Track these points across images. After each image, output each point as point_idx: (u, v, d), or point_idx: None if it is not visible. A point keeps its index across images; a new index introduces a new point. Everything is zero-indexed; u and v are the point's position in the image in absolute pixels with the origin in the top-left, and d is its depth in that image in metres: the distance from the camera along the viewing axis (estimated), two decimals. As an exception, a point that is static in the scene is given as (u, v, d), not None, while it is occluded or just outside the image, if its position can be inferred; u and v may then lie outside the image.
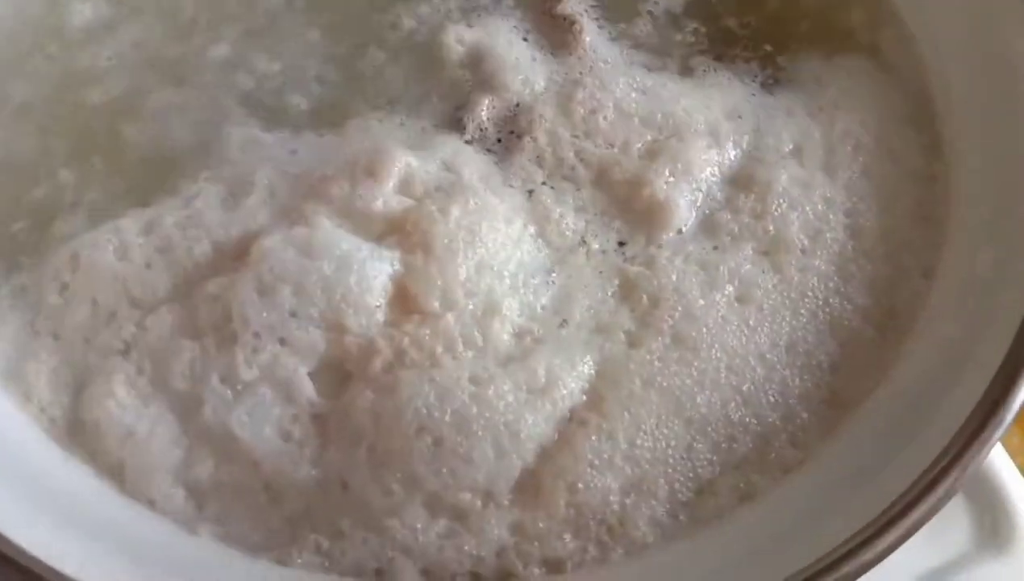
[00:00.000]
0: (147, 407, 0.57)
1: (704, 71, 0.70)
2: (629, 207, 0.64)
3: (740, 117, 0.68)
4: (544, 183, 0.65)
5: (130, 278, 0.60)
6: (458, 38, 0.70)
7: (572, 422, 0.57)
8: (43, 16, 0.71)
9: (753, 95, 0.69)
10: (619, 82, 0.68)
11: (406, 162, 0.63)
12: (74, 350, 0.59)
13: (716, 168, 0.66)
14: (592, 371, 0.59)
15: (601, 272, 0.62)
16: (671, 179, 0.64)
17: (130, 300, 0.60)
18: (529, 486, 0.56)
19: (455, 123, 0.67)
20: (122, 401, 0.57)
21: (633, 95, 0.68)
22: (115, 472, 0.56)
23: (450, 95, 0.69)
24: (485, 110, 0.67)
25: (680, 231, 0.63)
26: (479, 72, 0.69)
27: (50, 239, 0.63)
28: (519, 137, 0.66)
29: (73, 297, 0.60)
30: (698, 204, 0.65)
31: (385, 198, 0.62)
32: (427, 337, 0.58)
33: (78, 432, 0.57)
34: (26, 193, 0.65)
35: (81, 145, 0.66)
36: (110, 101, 0.68)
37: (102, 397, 0.57)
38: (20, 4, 0.71)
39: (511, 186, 0.64)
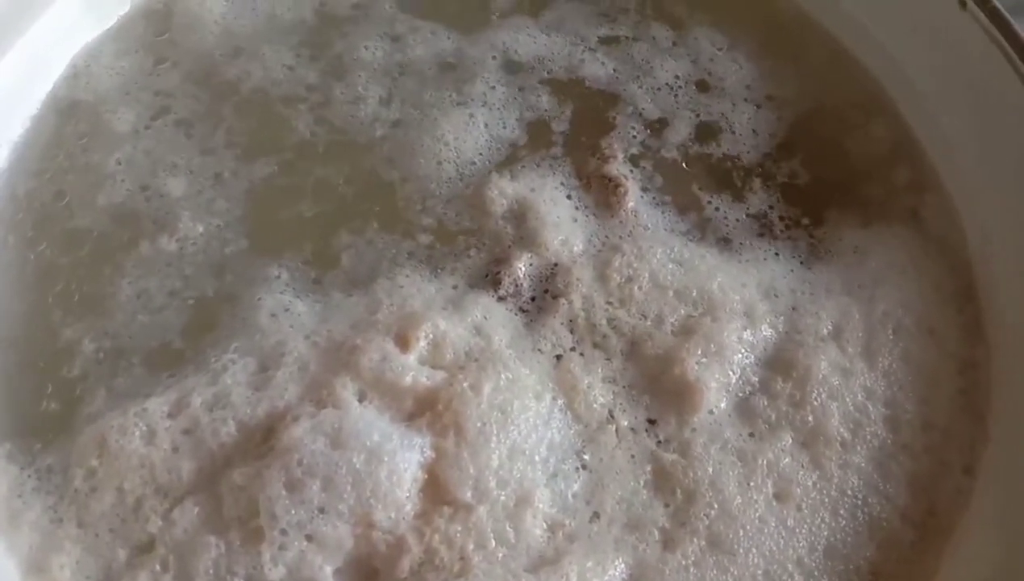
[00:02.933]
0: (171, 608, 0.56)
1: (741, 244, 0.69)
2: (659, 384, 0.63)
3: (776, 295, 0.67)
4: (573, 349, 0.64)
5: (157, 464, 0.59)
6: (501, 191, 0.69)
7: (604, 638, 0.56)
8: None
9: (791, 270, 0.68)
10: (657, 252, 0.67)
11: (435, 325, 0.62)
12: (99, 541, 0.58)
13: (750, 350, 0.65)
14: (624, 575, 0.57)
15: (633, 456, 0.61)
16: (703, 359, 0.63)
17: (156, 488, 0.59)
18: None
19: (488, 280, 0.66)
20: (146, 600, 0.56)
21: (670, 266, 0.67)
22: (138, 680, 0.55)
23: (489, 248, 0.68)
24: (523, 267, 0.66)
25: (711, 412, 0.62)
26: (521, 227, 0.68)
27: (78, 417, 0.62)
28: (554, 298, 0.66)
29: (100, 483, 0.59)
30: (731, 386, 0.63)
31: (415, 372, 0.61)
32: (458, 533, 0.57)
33: (102, 633, 0.56)
34: (56, 368, 0.64)
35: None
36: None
37: (127, 597, 0.56)
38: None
39: (539, 351, 0.64)
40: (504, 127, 0.73)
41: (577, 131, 0.73)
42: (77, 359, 0.64)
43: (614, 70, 0.76)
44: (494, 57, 0.76)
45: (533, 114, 0.74)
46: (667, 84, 0.76)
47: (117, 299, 0.66)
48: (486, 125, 0.73)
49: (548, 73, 0.76)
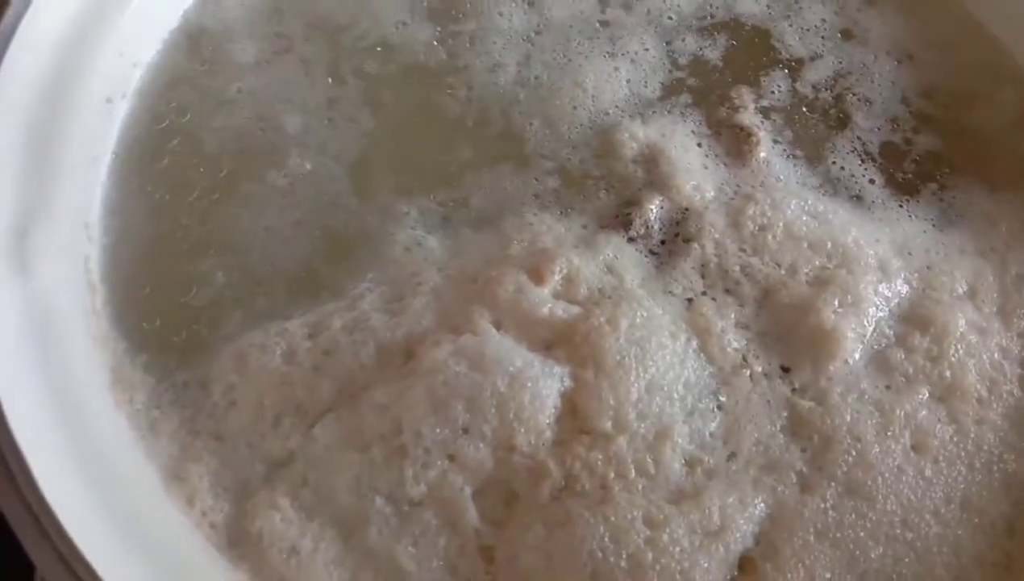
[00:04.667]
0: (311, 521, 0.56)
1: (873, 202, 0.69)
2: (793, 332, 0.63)
3: (910, 254, 0.66)
4: (704, 293, 0.64)
5: (297, 382, 0.59)
6: (632, 135, 0.69)
7: (744, 573, 0.56)
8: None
9: (924, 231, 0.68)
10: (791, 203, 0.67)
11: (568, 261, 0.62)
12: (237, 454, 0.58)
13: (886, 303, 0.64)
14: (764, 514, 0.57)
15: (769, 402, 0.61)
16: (839, 310, 0.63)
17: (296, 405, 0.59)
18: (701, 638, 0.54)
19: (618, 221, 0.66)
20: (286, 513, 0.56)
21: (804, 218, 0.66)
22: (279, 589, 0.55)
23: (619, 190, 0.68)
24: (655, 209, 0.66)
25: (847, 362, 0.62)
26: (651, 171, 0.68)
27: (217, 337, 0.61)
28: (686, 241, 0.65)
29: (238, 398, 0.59)
30: (867, 338, 0.63)
31: (551, 305, 0.61)
32: (599, 462, 0.56)
33: (240, 543, 0.56)
34: (186, 291, 0.64)
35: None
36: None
37: (266, 508, 0.56)
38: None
39: (671, 293, 0.63)
40: (646, 86, 0.73)
41: (710, 81, 0.73)
42: (210, 284, 0.64)
43: (768, 7, 0.76)
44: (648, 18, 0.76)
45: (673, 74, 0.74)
46: (814, 26, 0.75)
47: (240, 227, 0.66)
48: (628, 81, 0.73)
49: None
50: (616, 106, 0.72)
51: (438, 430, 0.56)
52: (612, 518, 0.55)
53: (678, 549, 0.55)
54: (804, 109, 0.73)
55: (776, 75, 0.74)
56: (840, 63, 0.75)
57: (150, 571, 0.53)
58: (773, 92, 0.74)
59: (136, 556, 0.53)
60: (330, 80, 0.72)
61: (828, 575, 0.56)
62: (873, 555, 0.57)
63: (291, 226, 0.66)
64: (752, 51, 0.76)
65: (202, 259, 0.65)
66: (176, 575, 0.54)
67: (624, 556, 0.54)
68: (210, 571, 0.55)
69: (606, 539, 0.54)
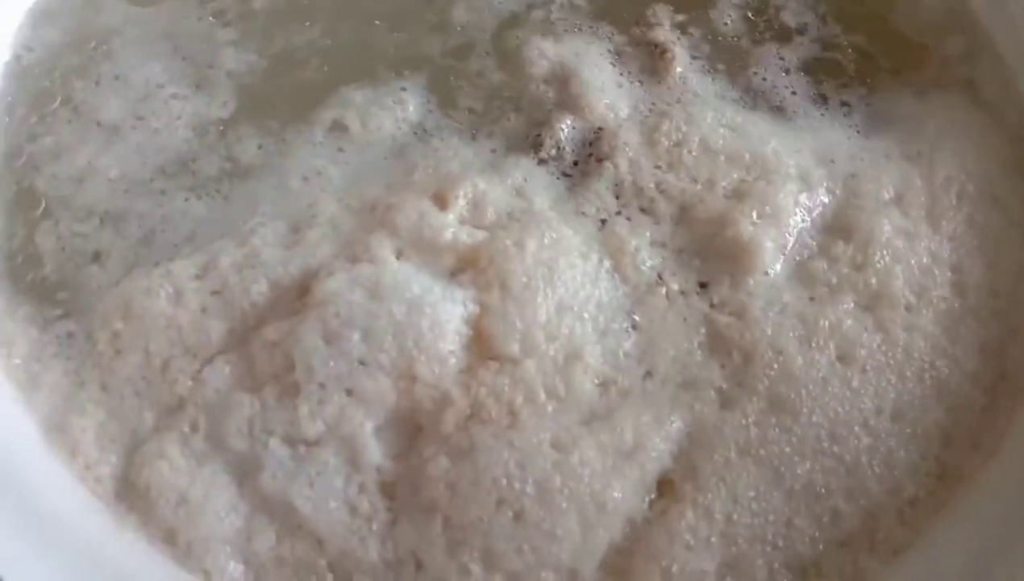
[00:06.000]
0: (202, 469, 0.53)
1: (795, 112, 0.66)
2: (710, 247, 0.60)
3: (833, 162, 0.63)
4: (619, 213, 0.61)
5: (184, 325, 0.56)
6: (542, 52, 0.66)
7: (663, 495, 0.53)
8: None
9: (848, 138, 0.65)
10: (707, 116, 0.64)
11: (474, 185, 0.59)
12: (124, 404, 0.55)
13: (807, 213, 0.61)
14: (682, 432, 0.54)
15: (685, 319, 0.58)
16: (757, 221, 0.60)
17: (184, 349, 0.56)
18: (617, 566, 0.52)
19: (528, 142, 0.63)
20: (175, 462, 0.53)
21: (721, 131, 0.63)
22: (168, 540, 0.52)
23: (529, 112, 0.65)
24: (565, 129, 0.63)
25: (767, 274, 0.59)
26: (563, 91, 0.65)
27: (102, 285, 0.58)
28: (599, 161, 0.62)
29: (124, 346, 0.56)
30: (788, 249, 0.60)
31: (454, 230, 0.57)
32: (506, 387, 0.53)
33: (128, 495, 0.53)
34: (76, 239, 0.60)
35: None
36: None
37: (154, 457, 0.53)
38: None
39: (583, 214, 0.60)
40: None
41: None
42: (91, 233, 0.60)
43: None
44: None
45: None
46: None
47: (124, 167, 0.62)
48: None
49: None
50: (527, 22, 0.68)
51: (332, 363, 0.53)
52: (517, 443, 0.52)
53: (588, 471, 0.52)
54: (723, 23, 0.69)
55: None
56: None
57: (27, 532, 0.49)
58: (689, 6, 0.70)
59: (14, 517, 0.50)
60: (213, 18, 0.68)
61: (752, 493, 0.53)
62: (800, 471, 0.54)
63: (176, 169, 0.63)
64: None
65: (79, 211, 0.61)
66: (59, 533, 0.51)
67: (531, 482, 0.51)
68: (95, 526, 0.52)
69: (511, 465, 0.51)
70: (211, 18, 0.68)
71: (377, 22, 0.68)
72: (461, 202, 0.59)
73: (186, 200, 0.62)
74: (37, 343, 0.57)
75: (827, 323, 0.57)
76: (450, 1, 0.69)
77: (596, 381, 0.55)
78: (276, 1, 0.69)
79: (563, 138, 0.63)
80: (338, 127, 0.64)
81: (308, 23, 0.68)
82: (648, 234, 0.60)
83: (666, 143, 0.63)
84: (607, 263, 0.58)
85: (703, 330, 0.57)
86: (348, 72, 0.66)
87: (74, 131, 0.63)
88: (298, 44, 0.67)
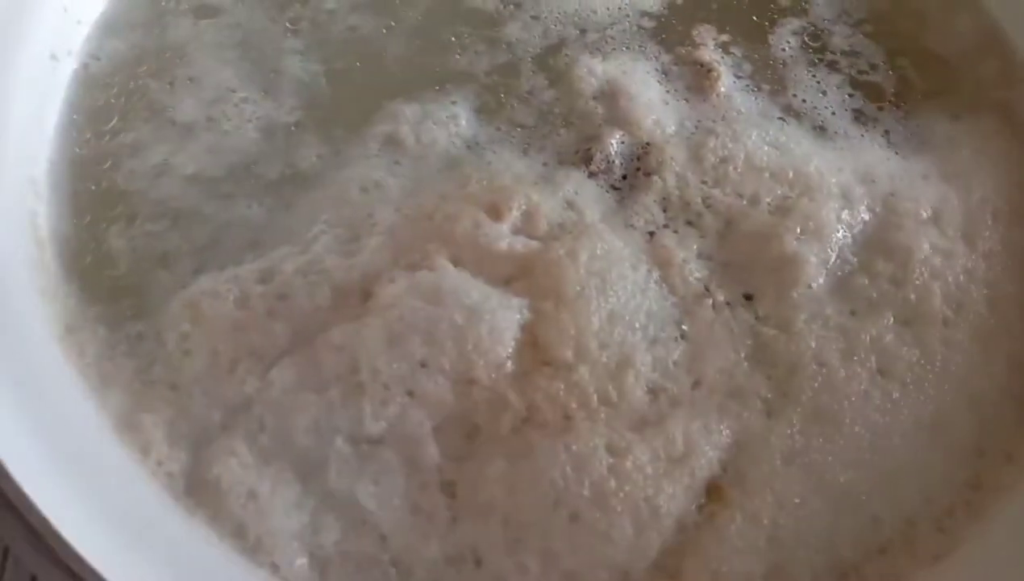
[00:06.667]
0: (269, 466, 0.55)
1: (836, 132, 0.68)
2: (756, 260, 0.62)
3: (873, 181, 0.66)
4: (666, 226, 0.63)
5: (251, 327, 0.58)
6: (591, 70, 0.69)
7: (712, 500, 0.55)
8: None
9: (887, 159, 0.67)
10: (751, 134, 0.66)
11: (527, 197, 0.62)
12: (193, 403, 0.57)
13: (849, 230, 0.63)
14: (730, 440, 0.56)
15: (732, 330, 0.60)
16: (802, 236, 0.62)
17: (251, 350, 0.58)
18: (668, 567, 0.54)
19: (579, 156, 0.65)
20: (243, 459, 0.55)
21: (765, 148, 0.66)
22: (237, 534, 0.54)
23: (579, 127, 0.67)
24: (615, 144, 0.65)
25: (810, 288, 0.61)
26: (611, 107, 0.67)
27: (170, 286, 0.60)
28: (647, 176, 0.64)
29: (193, 347, 0.58)
30: (830, 264, 0.62)
31: (509, 239, 0.60)
32: (560, 392, 0.55)
33: (198, 490, 0.55)
34: (146, 241, 0.62)
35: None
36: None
37: (223, 454, 0.55)
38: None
39: (632, 226, 0.62)
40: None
41: (671, 20, 0.72)
42: (160, 235, 0.62)
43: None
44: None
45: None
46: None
47: (191, 176, 0.65)
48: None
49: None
50: (576, 42, 0.71)
51: (395, 366, 0.55)
52: (574, 447, 0.54)
53: (641, 476, 0.54)
54: (766, 44, 0.72)
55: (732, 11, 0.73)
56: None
57: (108, 526, 0.51)
58: (730, 28, 0.72)
59: (93, 511, 0.52)
60: (288, 24, 0.71)
61: (797, 500, 0.55)
62: (842, 479, 0.56)
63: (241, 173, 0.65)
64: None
65: (151, 211, 0.63)
66: (133, 526, 0.53)
67: (587, 484, 0.53)
68: (167, 519, 0.54)
69: (568, 468, 0.53)
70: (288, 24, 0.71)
71: (431, 40, 0.71)
72: (515, 213, 0.61)
73: (248, 207, 0.64)
74: (108, 342, 0.59)
75: (868, 337, 0.60)
76: (503, 20, 0.71)
77: (646, 388, 0.57)
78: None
79: (612, 152, 0.65)
80: (392, 141, 0.66)
81: (368, 38, 0.70)
82: (695, 247, 0.62)
83: (712, 159, 0.65)
84: (655, 274, 0.61)
85: (749, 342, 0.59)
86: (401, 86, 0.69)
87: (152, 130, 0.66)
88: (355, 58, 0.70)
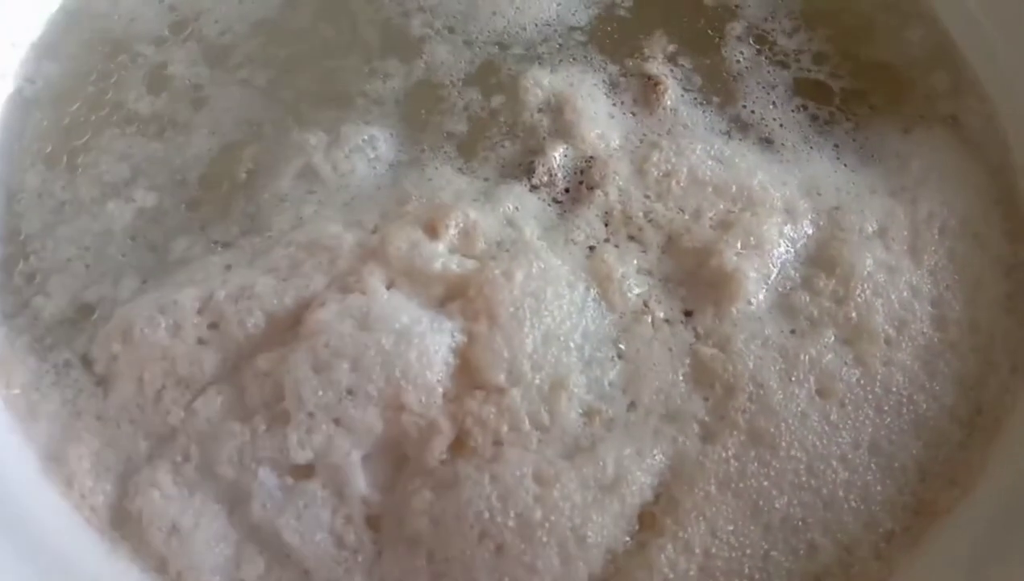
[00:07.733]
0: (193, 497, 0.54)
1: (783, 145, 0.67)
2: (696, 276, 0.61)
3: (819, 194, 0.64)
4: (607, 240, 0.62)
5: (179, 356, 0.57)
6: (537, 82, 0.67)
7: (644, 528, 0.54)
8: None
9: (834, 171, 0.66)
10: (696, 148, 0.65)
11: (465, 215, 0.61)
12: (119, 432, 0.56)
13: (791, 245, 0.62)
14: (664, 466, 0.55)
15: (671, 349, 0.59)
16: (742, 251, 0.61)
17: (177, 379, 0.57)
18: (597, 598, 0.53)
19: (522, 170, 0.65)
20: (167, 491, 0.54)
21: (709, 162, 0.64)
22: (159, 569, 0.53)
23: (523, 140, 0.66)
24: (559, 157, 0.64)
25: (750, 304, 0.60)
26: (557, 120, 0.66)
27: (100, 315, 0.60)
28: (589, 189, 0.63)
29: (120, 374, 0.57)
30: (771, 280, 0.61)
31: (444, 259, 0.59)
32: (492, 415, 0.55)
33: (121, 523, 0.54)
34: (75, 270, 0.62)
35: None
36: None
37: (146, 486, 0.54)
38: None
39: (572, 242, 0.61)
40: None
41: (616, 31, 0.71)
42: (89, 265, 0.62)
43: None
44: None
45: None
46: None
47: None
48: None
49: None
50: (525, 49, 0.70)
51: (320, 392, 0.54)
52: (500, 477, 0.53)
53: (569, 505, 0.53)
54: (716, 56, 0.70)
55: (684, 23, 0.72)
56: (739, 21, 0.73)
57: (30, 563, 0.51)
58: (679, 40, 0.71)
59: (20, 546, 0.51)
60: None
61: (731, 527, 0.54)
62: (778, 504, 0.55)
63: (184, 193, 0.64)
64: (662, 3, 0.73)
65: (83, 238, 0.62)
66: (56, 564, 0.52)
67: (512, 515, 0.52)
68: (89, 555, 0.53)
69: (493, 499, 0.52)
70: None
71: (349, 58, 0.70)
72: (452, 231, 0.60)
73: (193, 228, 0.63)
74: (36, 372, 0.58)
75: (807, 357, 0.58)
76: (434, 34, 0.70)
77: (581, 410, 0.56)
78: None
79: (555, 165, 0.64)
80: (310, 172, 0.65)
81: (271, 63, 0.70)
82: (635, 262, 0.61)
83: (655, 173, 0.64)
84: (594, 291, 0.60)
85: (687, 361, 0.58)
86: (322, 111, 0.68)
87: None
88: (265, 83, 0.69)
